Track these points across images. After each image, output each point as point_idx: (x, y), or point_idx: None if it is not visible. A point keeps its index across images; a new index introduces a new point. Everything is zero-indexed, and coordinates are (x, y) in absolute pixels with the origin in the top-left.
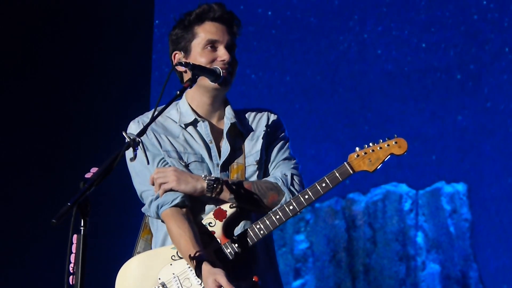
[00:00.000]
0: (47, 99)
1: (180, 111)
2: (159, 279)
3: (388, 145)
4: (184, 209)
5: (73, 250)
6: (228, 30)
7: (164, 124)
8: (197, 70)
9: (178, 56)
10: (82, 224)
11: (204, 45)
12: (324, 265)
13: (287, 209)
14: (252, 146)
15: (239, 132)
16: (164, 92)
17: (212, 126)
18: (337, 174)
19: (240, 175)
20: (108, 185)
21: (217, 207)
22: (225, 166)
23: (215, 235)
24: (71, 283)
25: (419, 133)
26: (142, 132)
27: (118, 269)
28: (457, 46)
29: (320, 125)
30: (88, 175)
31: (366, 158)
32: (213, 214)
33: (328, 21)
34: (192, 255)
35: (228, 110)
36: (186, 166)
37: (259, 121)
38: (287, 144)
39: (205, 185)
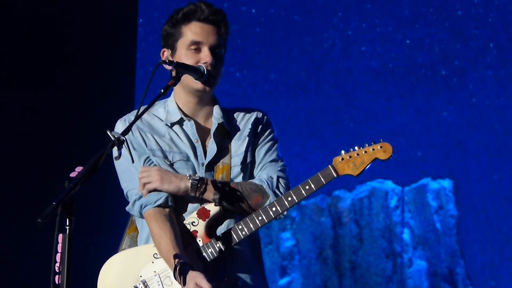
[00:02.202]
0: (32, 98)
1: (168, 109)
2: (141, 276)
3: (373, 149)
4: (167, 209)
5: (59, 249)
6: (216, 30)
7: (150, 123)
8: (181, 68)
9: (166, 53)
10: (67, 223)
11: (188, 45)
12: (311, 262)
13: (269, 211)
14: (238, 147)
15: (227, 132)
16: (149, 90)
17: (198, 125)
18: (321, 177)
19: (225, 175)
20: (94, 184)
21: (201, 206)
22: (211, 166)
23: (197, 234)
24: (57, 282)
25: (404, 129)
26: (127, 130)
27: None
28: (442, 42)
29: (305, 123)
30: (73, 174)
31: (351, 161)
32: (197, 213)
33: (312, 18)
34: (171, 257)
35: (216, 110)
36: (171, 165)
37: (247, 121)
38: (276, 145)
39: (189, 184)
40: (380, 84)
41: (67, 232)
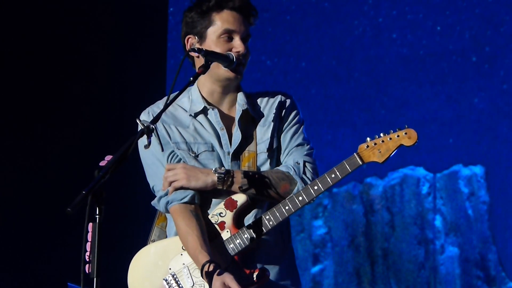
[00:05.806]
0: (65, 87)
1: (191, 98)
2: (170, 269)
3: (398, 135)
4: (192, 206)
5: (89, 238)
6: (245, 20)
7: (174, 114)
8: (211, 56)
9: (191, 40)
10: (97, 213)
11: (220, 34)
12: (343, 250)
13: (296, 200)
14: (264, 133)
15: (251, 118)
16: (180, 79)
17: (222, 114)
18: (347, 165)
19: (252, 163)
20: (123, 173)
21: (228, 197)
22: (237, 155)
23: (225, 225)
24: (87, 271)
25: (435, 116)
26: (157, 119)
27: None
28: (472, 28)
29: (336, 110)
30: (102, 163)
31: (376, 148)
32: (224, 204)
33: (342, 5)
34: (198, 255)
35: (240, 97)
36: (196, 157)
37: (271, 106)
38: (301, 128)
39: (215, 178)
40: (411, 71)
41: (97, 221)
